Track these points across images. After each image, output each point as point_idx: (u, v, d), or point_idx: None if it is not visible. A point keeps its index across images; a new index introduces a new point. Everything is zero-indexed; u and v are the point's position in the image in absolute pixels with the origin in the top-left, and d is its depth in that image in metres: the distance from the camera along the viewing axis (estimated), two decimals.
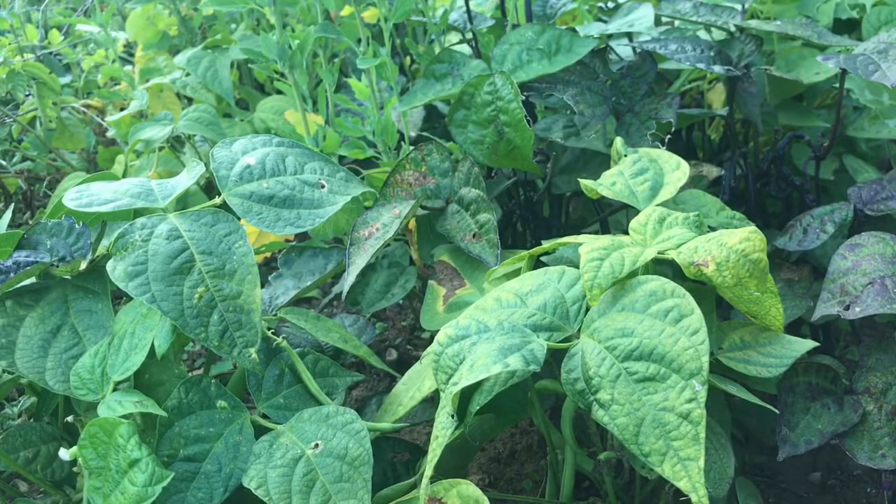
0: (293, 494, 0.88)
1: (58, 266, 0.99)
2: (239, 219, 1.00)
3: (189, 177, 1.06)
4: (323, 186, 1.07)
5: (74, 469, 0.94)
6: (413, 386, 1.11)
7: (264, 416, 0.98)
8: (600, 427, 1.07)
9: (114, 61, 1.98)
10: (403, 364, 1.67)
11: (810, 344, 1.05)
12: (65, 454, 0.92)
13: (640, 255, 0.93)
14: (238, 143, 1.06)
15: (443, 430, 0.84)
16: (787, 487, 1.35)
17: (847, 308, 1.06)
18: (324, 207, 1.05)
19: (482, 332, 0.88)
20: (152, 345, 0.93)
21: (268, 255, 1.54)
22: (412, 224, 1.50)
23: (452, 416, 0.85)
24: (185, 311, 0.91)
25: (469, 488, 0.94)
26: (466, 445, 1.09)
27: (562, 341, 0.92)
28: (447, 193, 1.38)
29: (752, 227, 0.99)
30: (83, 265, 0.98)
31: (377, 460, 1.01)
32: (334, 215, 1.55)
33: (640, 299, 0.87)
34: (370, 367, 1.64)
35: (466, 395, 1.02)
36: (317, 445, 0.91)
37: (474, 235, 1.28)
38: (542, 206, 1.49)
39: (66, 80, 2.24)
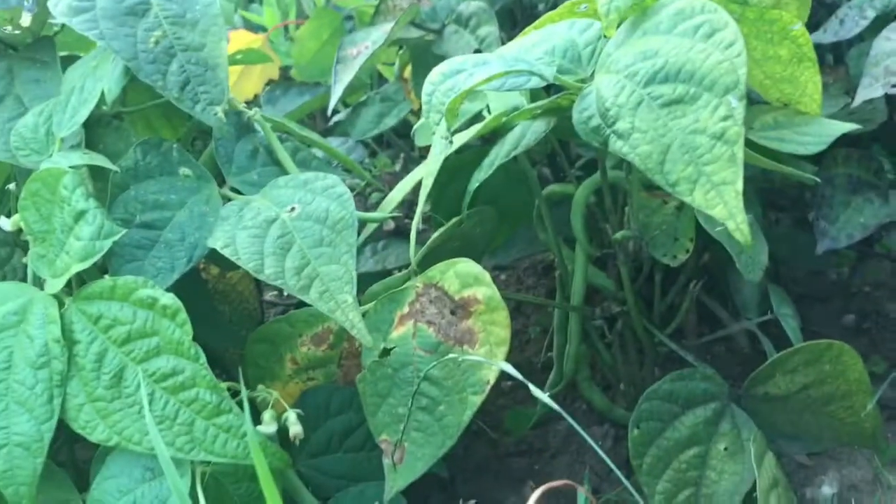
0: (266, 257, 0.77)
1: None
2: None
3: None
4: None
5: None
6: (405, 184, 0.99)
7: (235, 191, 0.87)
8: (613, 225, 0.96)
9: None
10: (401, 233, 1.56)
11: (851, 126, 0.94)
12: (6, 223, 0.81)
13: None
14: None
15: (435, 157, 0.72)
16: (818, 331, 1.23)
17: (894, 86, 0.94)
18: None
19: (480, 66, 0.76)
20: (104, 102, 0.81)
21: (251, 97, 1.42)
22: (408, 72, 1.39)
23: (446, 139, 0.72)
24: (140, 55, 0.79)
25: (468, 265, 0.83)
26: (469, 245, 0.97)
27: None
28: (444, 15, 1.27)
29: None
30: (26, 20, 0.86)
31: None
32: (320, 53, 1.44)
33: (664, 21, 0.74)
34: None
35: (460, 192, 0.91)
36: (293, 209, 0.80)
37: (475, 52, 1.16)
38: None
39: None
